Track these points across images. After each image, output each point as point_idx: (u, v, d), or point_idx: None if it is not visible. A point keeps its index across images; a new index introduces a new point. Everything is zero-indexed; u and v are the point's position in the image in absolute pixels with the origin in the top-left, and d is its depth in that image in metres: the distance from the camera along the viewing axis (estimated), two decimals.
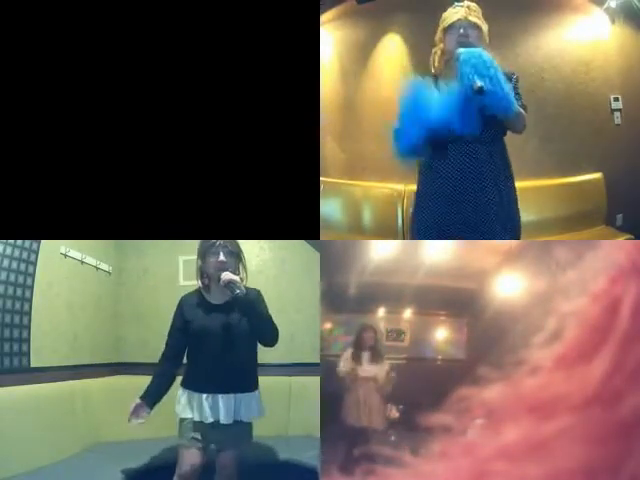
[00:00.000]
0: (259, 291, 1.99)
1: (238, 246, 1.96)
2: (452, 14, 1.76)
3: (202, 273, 1.93)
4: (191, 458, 1.85)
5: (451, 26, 1.75)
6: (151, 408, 1.86)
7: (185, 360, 1.97)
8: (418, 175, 1.88)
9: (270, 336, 1.91)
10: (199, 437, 1.87)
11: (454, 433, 0.38)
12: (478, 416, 0.38)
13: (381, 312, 3.47)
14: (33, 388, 2.37)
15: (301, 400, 3.09)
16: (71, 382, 2.69)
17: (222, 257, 1.86)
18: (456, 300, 3.31)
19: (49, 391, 2.46)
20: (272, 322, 1.91)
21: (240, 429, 1.90)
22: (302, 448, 2.59)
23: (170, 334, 1.96)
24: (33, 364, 2.52)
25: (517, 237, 1.85)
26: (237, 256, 1.94)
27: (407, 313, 3.52)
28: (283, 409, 3.11)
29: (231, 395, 1.87)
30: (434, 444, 0.39)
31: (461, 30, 1.72)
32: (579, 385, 0.34)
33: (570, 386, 0.35)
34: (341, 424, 2.66)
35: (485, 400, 0.38)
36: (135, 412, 1.82)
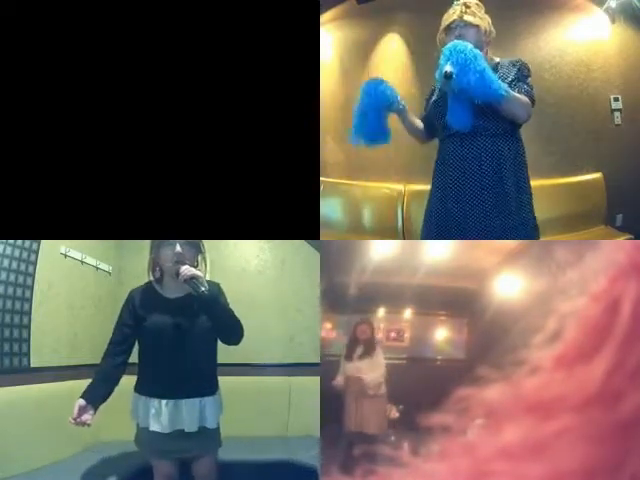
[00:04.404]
0: (219, 285, 1.82)
1: None
2: (449, 15, 1.75)
3: (154, 266, 1.76)
4: (166, 469, 1.72)
5: (448, 27, 1.75)
6: (95, 410, 1.65)
7: (137, 362, 1.79)
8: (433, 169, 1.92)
9: (234, 334, 1.75)
10: (166, 448, 1.70)
11: (454, 433, 0.38)
12: (478, 416, 0.38)
13: (381, 312, 3.47)
14: (33, 388, 2.37)
15: (301, 400, 3.09)
16: (71, 382, 2.68)
17: (178, 248, 1.68)
18: (456, 300, 3.31)
19: (49, 391, 2.46)
20: (236, 318, 1.75)
21: (208, 435, 1.76)
22: (302, 448, 2.59)
23: (116, 331, 1.76)
24: (33, 364, 2.52)
25: (534, 234, 1.86)
26: (196, 247, 1.77)
27: (407, 313, 3.52)
28: (283, 409, 3.11)
29: (196, 400, 1.71)
30: (434, 444, 0.39)
31: (457, 31, 1.72)
32: (579, 385, 0.34)
33: (570, 386, 0.35)
34: (341, 423, 2.66)
35: (485, 400, 0.38)
36: (80, 414, 1.61)
